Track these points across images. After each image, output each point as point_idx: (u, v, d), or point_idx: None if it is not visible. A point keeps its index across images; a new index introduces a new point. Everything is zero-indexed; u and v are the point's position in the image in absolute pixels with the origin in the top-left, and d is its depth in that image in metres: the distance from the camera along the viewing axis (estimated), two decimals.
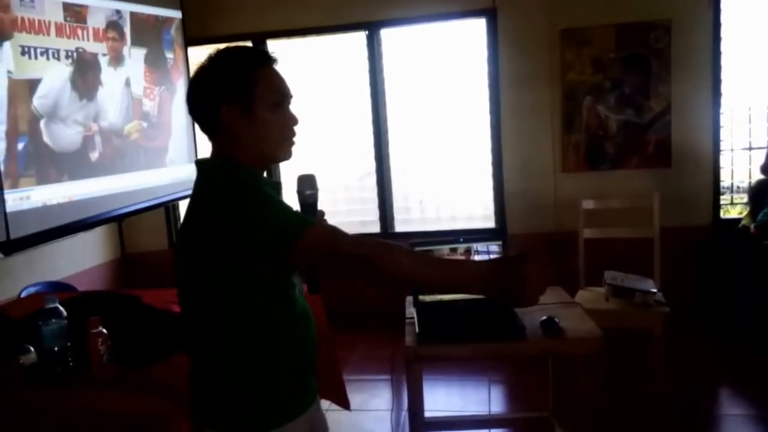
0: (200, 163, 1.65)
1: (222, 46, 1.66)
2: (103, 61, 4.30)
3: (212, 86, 1.59)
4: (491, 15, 5.09)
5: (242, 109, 1.56)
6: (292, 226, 1.46)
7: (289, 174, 5.40)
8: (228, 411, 1.58)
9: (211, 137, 1.66)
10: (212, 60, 1.62)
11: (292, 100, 1.66)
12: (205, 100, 1.60)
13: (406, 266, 1.48)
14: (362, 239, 1.53)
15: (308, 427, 1.71)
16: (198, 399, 1.66)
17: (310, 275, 1.76)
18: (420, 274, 1.49)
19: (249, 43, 5.15)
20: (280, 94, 1.62)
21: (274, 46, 5.48)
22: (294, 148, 1.68)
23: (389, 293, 4.04)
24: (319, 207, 1.76)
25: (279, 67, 1.65)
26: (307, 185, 1.74)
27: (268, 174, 5.36)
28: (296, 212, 1.55)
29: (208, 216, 1.53)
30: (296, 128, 1.66)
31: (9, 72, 3.52)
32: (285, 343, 1.61)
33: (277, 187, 1.74)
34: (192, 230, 1.58)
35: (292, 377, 1.65)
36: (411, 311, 2.83)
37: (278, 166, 5.55)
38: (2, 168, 3.44)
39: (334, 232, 1.50)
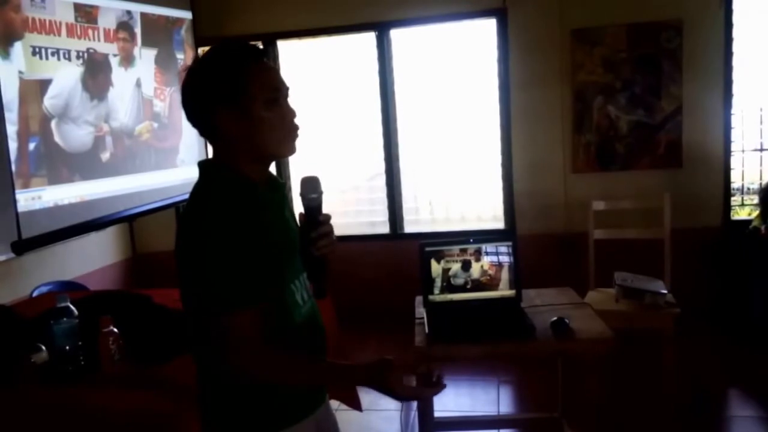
0: (201, 166, 1.62)
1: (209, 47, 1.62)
2: (114, 61, 4.31)
3: (204, 89, 1.54)
4: (501, 15, 5.08)
5: (238, 110, 1.52)
6: (219, 301, 1.46)
7: (299, 172, 5.42)
8: (233, 413, 1.58)
9: (210, 141, 1.62)
10: (201, 62, 1.58)
11: (291, 94, 1.62)
12: (199, 104, 1.56)
13: (272, 379, 1.55)
14: (255, 351, 1.49)
15: (315, 428, 1.69)
16: (204, 400, 1.65)
17: (317, 279, 1.73)
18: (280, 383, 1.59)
19: (259, 44, 5.16)
20: (274, 89, 1.56)
21: (284, 46, 5.49)
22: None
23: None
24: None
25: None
26: (309, 188, 1.67)
27: (277, 171, 5.32)
28: (241, 283, 1.47)
29: (188, 232, 1.52)
30: (298, 121, 1.61)
31: (20, 72, 3.53)
32: (286, 348, 1.58)
33: (281, 188, 1.72)
34: (181, 236, 1.54)
35: None
36: (421, 311, 2.84)
37: (288, 166, 5.56)
38: (14, 168, 3.46)
39: (243, 334, 1.46)
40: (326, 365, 1.64)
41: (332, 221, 1.71)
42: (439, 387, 1.61)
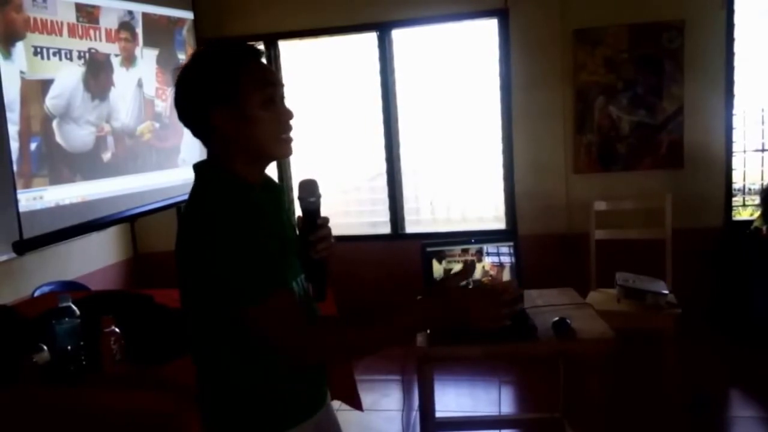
0: (196, 169, 1.61)
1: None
2: (116, 61, 4.32)
3: (200, 89, 1.53)
4: (503, 15, 5.08)
5: (234, 110, 1.50)
6: (244, 293, 1.44)
7: (300, 173, 5.41)
8: (232, 415, 1.57)
9: (204, 142, 1.61)
10: (196, 61, 1.57)
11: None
12: (194, 104, 1.54)
13: (340, 351, 1.59)
14: (302, 327, 1.48)
15: (314, 430, 1.67)
16: (203, 401, 1.65)
17: (316, 282, 1.73)
18: (357, 351, 1.62)
19: (261, 44, 5.16)
20: (270, 88, 1.55)
21: (285, 46, 5.49)
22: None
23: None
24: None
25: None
26: (308, 192, 1.67)
27: (278, 171, 5.30)
28: (261, 271, 1.44)
29: (190, 235, 1.51)
30: (293, 123, 1.59)
31: (22, 72, 3.54)
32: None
33: (276, 190, 1.71)
34: (182, 240, 1.54)
35: (296, 383, 1.62)
36: None
37: (289, 167, 5.56)
38: (15, 168, 3.46)
39: (281, 315, 1.45)
40: (386, 321, 1.55)
41: (333, 221, 1.72)
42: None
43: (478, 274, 2.87)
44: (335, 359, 1.55)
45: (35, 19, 3.64)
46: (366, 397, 3.31)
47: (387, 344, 1.55)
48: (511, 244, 2.89)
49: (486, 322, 1.50)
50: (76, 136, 3.94)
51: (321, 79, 5.48)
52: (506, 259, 2.88)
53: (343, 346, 1.52)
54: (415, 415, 3.87)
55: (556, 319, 2.62)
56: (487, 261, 2.88)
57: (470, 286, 1.54)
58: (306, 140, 5.29)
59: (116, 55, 4.33)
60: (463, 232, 5.33)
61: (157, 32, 4.77)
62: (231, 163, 1.56)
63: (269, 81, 1.56)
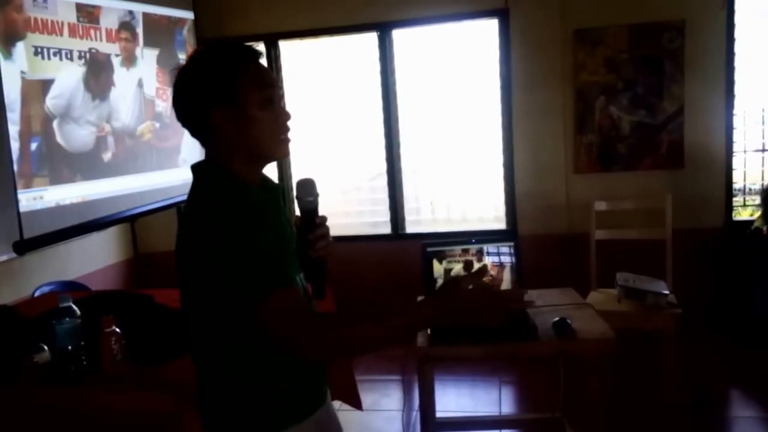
0: (194, 169, 1.61)
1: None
2: (116, 61, 4.32)
3: (200, 88, 1.54)
4: (503, 15, 5.08)
5: (234, 109, 1.51)
6: (244, 293, 1.44)
7: (300, 172, 5.41)
8: (232, 415, 1.58)
9: (202, 142, 1.61)
10: (196, 61, 1.58)
11: (288, 94, 1.61)
12: (194, 103, 1.55)
13: (342, 348, 1.58)
14: (303, 324, 1.48)
15: (315, 429, 1.67)
16: (203, 401, 1.65)
17: (315, 280, 1.73)
18: (359, 348, 1.68)
19: (261, 44, 5.15)
20: (269, 89, 1.56)
21: (285, 46, 5.49)
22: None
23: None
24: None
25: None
26: (306, 191, 1.68)
27: (279, 171, 5.28)
28: (263, 270, 1.45)
29: (190, 236, 1.51)
30: (291, 124, 1.61)
31: (22, 72, 3.54)
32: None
33: (275, 190, 1.71)
34: (182, 240, 1.54)
35: (296, 381, 1.62)
36: None
37: (289, 167, 5.56)
38: (16, 168, 3.46)
39: (281, 315, 1.45)
40: (389, 318, 1.56)
41: (333, 222, 1.73)
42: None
43: None
44: (336, 356, 1.54)
45: (36, 19, 3.64)
46: (366, 397, 3.31)
47: (387, 343, 1.56)
48: (512, 244, 2.90)
49: (493, 323, 1.51)
50: (77, 136, 3.94)
51: (321, 79, 5.46)
52: (506, 259, 2.88)
53: (345, 342, 1.52)
54: (416, 415, 3.88)
55: (557, 319, 2.63)
56: (488, 261, 2.88)
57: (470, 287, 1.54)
58: (306, 140, 5.28)
59: (117, 55, 4.33)
60: (463, 232, 5.33)
61: (158, 32, 4.77)
62: (230, 163, 1.57)
63: (268, 82, 1.57)
